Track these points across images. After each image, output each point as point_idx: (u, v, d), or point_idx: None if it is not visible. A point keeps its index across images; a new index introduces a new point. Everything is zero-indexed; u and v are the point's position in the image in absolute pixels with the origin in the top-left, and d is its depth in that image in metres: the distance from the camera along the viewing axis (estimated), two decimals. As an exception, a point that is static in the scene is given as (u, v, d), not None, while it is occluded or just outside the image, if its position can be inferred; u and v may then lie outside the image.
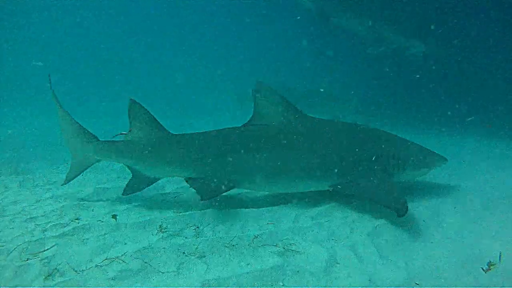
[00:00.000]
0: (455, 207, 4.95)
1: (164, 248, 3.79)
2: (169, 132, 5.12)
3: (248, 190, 5.50)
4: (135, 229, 4.27)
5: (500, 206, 5.01)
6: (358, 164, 4.97)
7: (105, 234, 4.14)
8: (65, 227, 4.24)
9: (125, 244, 3.89)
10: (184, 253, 3.73)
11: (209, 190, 4.70)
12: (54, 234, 4.01)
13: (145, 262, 3.54)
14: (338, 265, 3.64)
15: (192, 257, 3.67)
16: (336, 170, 4.88)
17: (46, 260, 3.49)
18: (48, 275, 3.29)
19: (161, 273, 3.42)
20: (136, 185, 5.06)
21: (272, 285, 3.30)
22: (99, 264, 3.49)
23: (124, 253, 3.66)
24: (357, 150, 5.01)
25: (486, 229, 4.36)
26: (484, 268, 3.42)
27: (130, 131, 5.04)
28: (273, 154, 4.87)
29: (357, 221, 4.61)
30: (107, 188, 5.81)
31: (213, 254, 3.74)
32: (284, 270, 3.48)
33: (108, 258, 3.58)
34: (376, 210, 4.87)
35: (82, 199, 5.24)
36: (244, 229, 4.39)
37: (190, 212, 4.80)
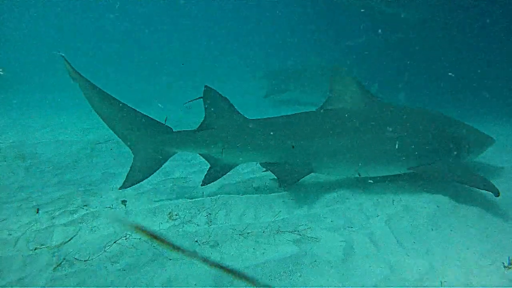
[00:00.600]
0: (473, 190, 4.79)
1: (176, 236, 3.68)
2: (245, 117, 4.97)
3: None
4: (146, 216, 4.15)
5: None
6: (433, 147, 4.94)
7: (115, 221, 4.02)
8: (73, 214, 4.13)
9: (136, 232, 3.77)
10: (197, 241, 3.61)
11: (289, 175, 4.58)
12: (63, 222, 3.89)
13: (157, 251, 3.42)
14: (356, 253, 3.52)
15: (206, 246, 3.55)
16: (414, 154, 4.83)
17: (54, 250, 3.38)
18: (57, 266, 3.17)
19: (174, 263, 3.30)
20: (215, 174, 4.88)
21: (289, 276, 3.18)
22: (109, 254, 3.38)
23: (135, 242, 3.55)
24: (431, 134, 4.99)
25: (507, 214, 4.21)
26: (506, 264, 3.28)
27: (205, 119, 4.85)
28: (352, 138, 4.80)
29: (373, 208, 4.48)
30: (115, 173, 5.70)
31: (227, 243, 3.61)
32: (301, 260, 3.36)
33: (118, 247, 3.47)
34: (391, 196, 4.74)
35: (90, 185, 5.12)
36: (257, 216, 4.27)
37: (201, 198, 4.67)
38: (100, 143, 7.54)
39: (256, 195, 4.79)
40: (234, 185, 5.23)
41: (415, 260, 3.40)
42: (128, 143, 4.77)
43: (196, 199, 4.60)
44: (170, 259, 3.32)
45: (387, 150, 4.79)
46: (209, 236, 3.68)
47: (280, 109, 13.50)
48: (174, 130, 4.79)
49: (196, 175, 5.66)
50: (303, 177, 4.64)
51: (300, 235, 3.77)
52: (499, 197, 4.20)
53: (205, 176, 4.84)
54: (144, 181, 5.24)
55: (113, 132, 4.79)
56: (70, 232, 3.71)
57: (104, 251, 3.41)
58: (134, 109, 4.64)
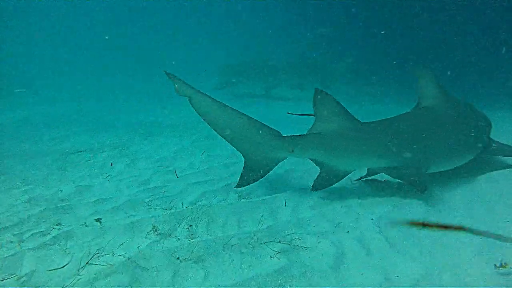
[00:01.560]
0: (465, 187, 4.70)
1: (156, 253, 3.44)
2: (358, 120, 4.72)
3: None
4: (123, 233, 3.89)
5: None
6: (488, 134, 5.59)
7: (90, 240, 3.76)
8: (45, 235, 3.84)
9: (113, 251, 3.52)
10: (178, 258, 3.38)
11: (421, 179, 4.41)
12: (33, 246, 3.60)
13: (136, 272, 3.19)
14: (347, 260, 3.36)
15: (188, 262, 3.33)
16: (485, 141, 5.39)
17: (24, 279, 3.11)
18: (28, 298, 2.92)
19: (155, 284, 3.08)
20: (326, 181, 4.68)
21: (279, 291, 2.99)
22: (85, 278, 3.13)
23: (113, 263, 3.30)
24: (486, 124, 5.65)
25: (499, 214, 4.11)
26: (497, 265, 3.15)
27: (315, 122, 4.65)
28: (454, 134, 5.02)
29: (361, 209, 4.34)
30: (89, 185, 5.41)
31: (211, 258, 3.40)
32: (290, 271, 3.18)
33: (94, 270, 3.22)
34: (380, 195, 4.62)
35: (63, 200, 4.84)
36: (241, 224, 4.07)
37: (180, 208, 4.45)
38: (73, 153, 7.23)
39: (238, 201, 4.60)
40: (215, 191, 5.02)
41: (409, 264, 3.25)
42: (239, 149, 4.71)
43: (176, 210, 4.38)
44: (156, 283, 3.11)
45: (471, 141, 5.16)
46: (192, 252, 3.46)
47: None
48: (283, 135, 4.56)
49: (174, 183, 5.42)
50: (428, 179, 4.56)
51: (287, 243, 3.59)
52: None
53: (315, 182, 4.70)
54: (119, 193, 5.01)
55: (223, 138, 4.68)
56: (41, 257, 3.44)
57: (79, 275, 3.17)
58: (244, 114, 4.51)
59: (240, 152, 4.73)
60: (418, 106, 5.34)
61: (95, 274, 3.16)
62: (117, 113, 11.98)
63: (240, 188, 4.97)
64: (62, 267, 3.27)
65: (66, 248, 3.60)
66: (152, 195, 4.91)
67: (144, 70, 23.80)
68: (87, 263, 3.30)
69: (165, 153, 7.20)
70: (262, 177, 4.72)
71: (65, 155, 7.11)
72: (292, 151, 4.54)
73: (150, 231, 3.89)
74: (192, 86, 4.41)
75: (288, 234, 3.76)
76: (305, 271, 3.18)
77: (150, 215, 4.23)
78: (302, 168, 5.91)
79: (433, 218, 4.04)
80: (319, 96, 4.60)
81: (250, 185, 5.11)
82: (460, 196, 4.54)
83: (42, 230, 3.95)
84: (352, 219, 4.10)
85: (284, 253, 3.45)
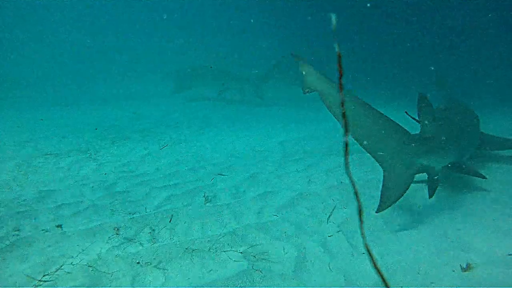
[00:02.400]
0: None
1: (116, 258, 3.42)
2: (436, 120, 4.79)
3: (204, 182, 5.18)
4: (84, 238, 3.84)
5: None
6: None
7: (49, 246, 3.69)
8: (2, 241, 3.75)
9: (72, 257, 3.47)
10: (139, 263, 3.36)
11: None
12: (-11, 252, 3.53)
13: (96, 278, 3.16)
14: (309, 264, 3.39)
15: (149, 267, 3.31)
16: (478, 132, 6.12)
17: (-22, 287, 3.05)
18: (-19, 306, 2.85)
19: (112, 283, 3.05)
20: (436, 183, 4.38)
21: (238, 294, 3.00)
22: (43, 286, 3.07)
23: (71, 269, 3.26)
24: (476, 118, 6.30)
25: (462, 215, 4.20)
26: (463, 267, 3.22)
27: (423, 127, 4.51)
28: (470, 129, 5.54)
29: (325, 211, 4.38)
30: (52, 190, 5.30)
31: (172, 262, 3.39)
32: (251, 276, 3.19)
33: (52, 276, 3.17)
34: (343, 197, 4.65)
35: (24, 206, 4.73)
36: (205, 228, 4.06)
37: (144, 212, 4.42)
38: (38, 158, 7.08)
39: (203, 206, 4.59)
40: (180, 196, 4.98)
41: (370, 266, 3.30)
42: (380, 158, 4.10)
43: (139, 215, 4.34)
44: (107, 274, 3.07)
45: (477, 135, 5.94)
46: (153, 256, 3.45)
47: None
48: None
49: (140, 187, 5.37)
50: None
51: (249, 247, 3.60)
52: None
53: (429, 188, 4.36)
54: (83, 198, 4.93)
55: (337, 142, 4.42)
56: (-3, 264, 3.37)
57: (37, 283, 3.11)
58: (388, 117, 3.96)
59: (380, 162, 4.12)
60: (448, 105, 6.17)
61: (54, 281, 3.11)
62: (85, 117, 11.76)
63: (207, 193, 4.96)
64: (19, 275, 3.20)
65: (24, 255, 3.53)
66: (116, 200, 4.85)
67: (112, 73, 23.61)
68: (45, 272, 3.24)
69: (132, 158, 7.12)
70: (404, 193, 3.95)
71: (30, 159, 6.96)
72: (432, 158, 4.29)
73: (112, 236, 3.85)
74: (327, 77, 3.74)
75: (251, 238, 3.77)
76: (266, 275, 3.20)
77: (112, 220, 4.19)
78: (267, 170, 5.95)
79: (395, 219, 4.10)
80: (422, 102, 4.44)
81: (216, 189, 5.13)
82: (426, 199, 4.63)
83: (0, 236, 3.87)
84: (316, 222, 4.14)
85: (246, 257, 3.46)
